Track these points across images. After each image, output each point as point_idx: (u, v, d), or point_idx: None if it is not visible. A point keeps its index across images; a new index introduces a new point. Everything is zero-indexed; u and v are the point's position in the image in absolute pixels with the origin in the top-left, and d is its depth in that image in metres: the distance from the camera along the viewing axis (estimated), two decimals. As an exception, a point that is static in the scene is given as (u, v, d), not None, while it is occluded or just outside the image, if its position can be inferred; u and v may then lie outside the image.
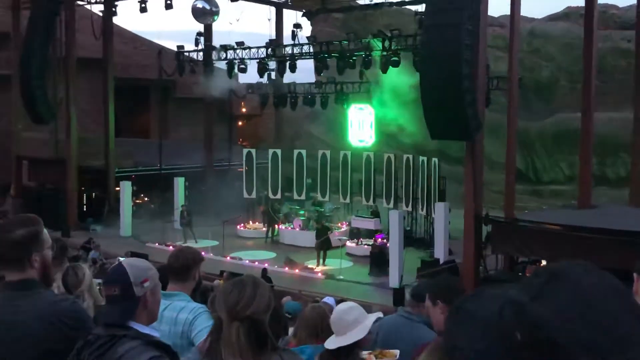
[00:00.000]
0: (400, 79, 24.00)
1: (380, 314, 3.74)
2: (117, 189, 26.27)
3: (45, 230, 2.72)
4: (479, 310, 0.98)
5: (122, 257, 18.56)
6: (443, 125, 15.97)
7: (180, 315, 3.42)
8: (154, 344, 2.39)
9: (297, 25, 26.25)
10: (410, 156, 23.51)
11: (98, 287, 4.35)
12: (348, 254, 21.51)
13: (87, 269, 4.54)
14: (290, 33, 26.12)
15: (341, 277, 19.02)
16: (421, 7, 20.00)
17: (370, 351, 3.49)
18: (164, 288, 3.12)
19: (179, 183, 26.12)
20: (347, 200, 25.14)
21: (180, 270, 3.52)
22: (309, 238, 21.75)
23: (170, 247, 21.58)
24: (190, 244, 21.94)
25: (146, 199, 28.91)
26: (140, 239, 24.18)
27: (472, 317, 0.99)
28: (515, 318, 0.95)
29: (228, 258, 21.06)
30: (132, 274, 2.47)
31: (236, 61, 25.31)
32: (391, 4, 26.12)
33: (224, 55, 25.96)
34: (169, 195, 27.01)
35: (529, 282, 0.99)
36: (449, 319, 1.02)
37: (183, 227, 23.55)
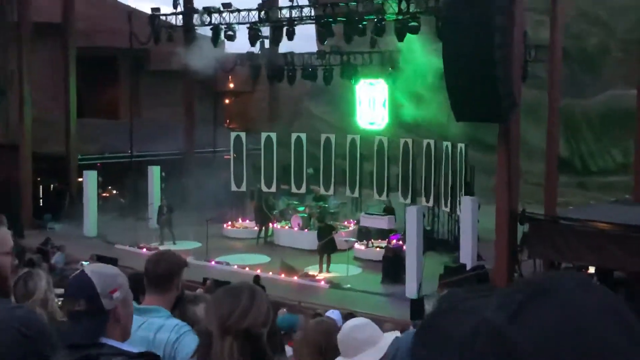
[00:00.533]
0: (419, 48, 23.92)
1: (398, 333, 3.73)
2: (80, 179, 26.31)
3: (6, 231, 2.70)
4: (453, 329, 0.94)
5: (85, 262, 18.69)
6: (471, 104, 15.95)
7: (159, 335, 3.31)
8: (143, 356, 2.38)
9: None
10: (432, 141, 23.51)
11: (58, 301, 4.31)
12: (356, 259, 21.57)
13: (42, 277, 4.44)
14: (287, -7, 26.08)
15: (348, 285, 19.07)
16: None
17: None
18: (136, 301, 3.08)
19: (154, 173, 26.17)
20: (356, 194, 25.17)
21: (161, 279, 3.46)
22: (309, 239, 21.80)
23: (144, 250, 21.64)
24: (168, 246, 22.01)
25: (115, 191, 28.95)
26: (107, 239, 24.27)
27: (445, 337, 0.94)
28: (489, 344, 0.90)
29: (213, 263, 21.13)
30: (99, 283, 2.45)
31: (222, 27, 25.27)
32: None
33: (208, 19, 25.91)
34: (141, 188, 27.02)
35: (508, 295, 0.94)
36: (417, 337, 0.98)
37: (161, 225, 23.60)
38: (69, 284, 2.54)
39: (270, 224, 24.38)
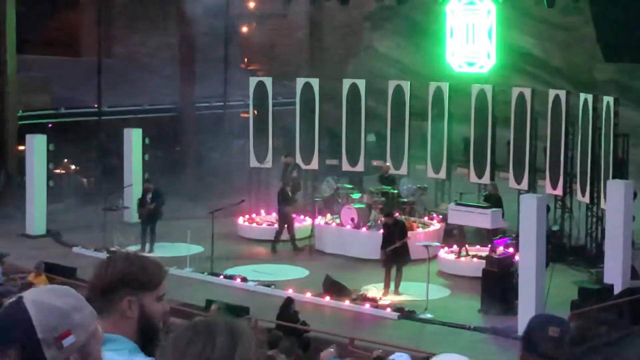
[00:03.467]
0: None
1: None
2: (21, 147, 26.62)
3: None
4: None
5: (31, 271, 18.93)
6: (628, 36, 15.74)
7: None
8: None
9: None
10: (562, 93, 23.30)
11: None
12: (441, 274, 21.59)
13: None
14: None
15: (428, 315, 19.09)
16: None
17: None
18: None
19: (133, 138, 26.38)
20: (442, 175, 25.15)
21: (93, 293, 3.44)
22: (370, 242, 21.79)
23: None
24: (167, 248, 22.24)
25: (73, 167, 29.24)
26: (61, 240, 24.55)
27: None
28: None
29: (221, 277, 21.28)
30: (42, 322, 2.44)
31: None
32: None
33: None
34: (114, 161, 27.23)
35: None
36: None
37: (143, 219, 23.83)
38: None
39: (305, 217, 24.45)
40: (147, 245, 23.36)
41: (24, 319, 2.44)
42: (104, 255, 22.22)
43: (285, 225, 23.83)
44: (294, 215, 24.18)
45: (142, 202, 23.92)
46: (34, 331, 2.43)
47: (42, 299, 2.50)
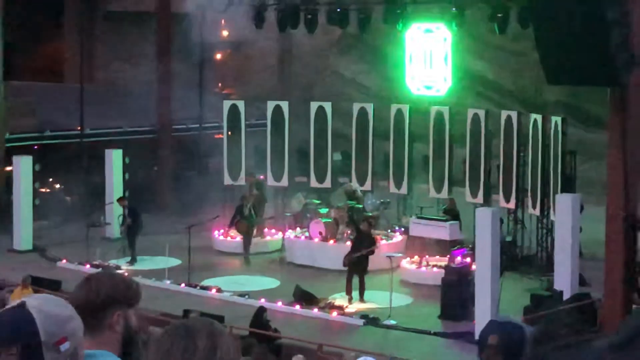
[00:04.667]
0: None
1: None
2: (8, 168, 26.48)
3: None
4: None
5: (18, 284, 18.80)
6: (570, 61, 15.85)
7: None
8: None
9: None
10: (514, 114, 23.43)
11: None
12: (404, 283, 21.59)
13: None
14: None
15: (391, 321, 19.10)
16: None
17: None
18: None
19: (114, 159, 26.31)
20: (404, 191, 25.17)
21: (84, 311, 3.43)
22: (337, 254, 21.81)
23: (100, 270, 21.75)
24: (127, 265, 22.20)
25: (58, 186, 29.09)
26: (47, 254, 24.43)
27: None
28: None
29: (198, 288, 21.23)
30: (44, 327, 2.48)
31: (212, -51, 25.29)
32: None
33: (191, -62, 25.94)
34: (96, 180, 27.10)
35: (624, 324, 1.17)
36: None
37: (126, 235, 23.83)
38: (1, 321, 2.55)
39: (270, 231, 24.48)
40: (131, 258, 23.35)
41: (28, 323, 2.49)
42: (87, 268, 22.18)
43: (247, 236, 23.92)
44: (255, 230, 24.24)
45: (123, 218, 23.95)
46: (38, 334, 2.47)
47: (43, 306, 2.54)
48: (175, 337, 2.35)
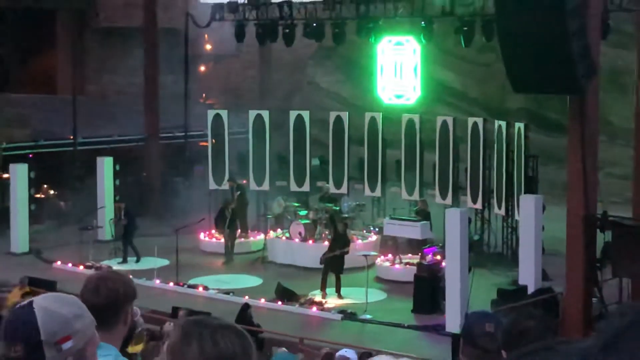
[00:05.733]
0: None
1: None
2: (5, 175, 26.38)
3: None
4: None
5: (16, 285, 18.73)
6: (533, 70, 15.94)
7: None
8: None
9: None
10: (480, 120, 23.54)
11: None
12: (379, 279, 21.64)
13: None
14: None
15: (367, 316, 19.15)
16: None
17: None
18: None
19: (105, 166, 26.25)
20: (377, 193, 25.23)
21: (103, 311, 3.48)
22: (316, 253, 21.84)
23: (94, 271, 21.68)
24: (118, 266, 22.16)
25: (52, 192, 28.98)
26: (42, 256, 24.34)
27: None
28: None
29: (185, 287, 21.22)
30: (46, 326, 2.45)
31: (195, -32, 25.30)
32: None
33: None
34: (88, 186, 27.02)
35: (605, 324, 1.11)
36: None
37: (120, 237, 23.82)
38: (9, 320, 2.53)
39: (259, 233, 24.45)
40: (134, 257, 23.42)
41: (31, 321, 2.46)
42: (81, 269, 22.12)
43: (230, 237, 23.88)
44: (238, 232, 24.21)
45: (117, 220, 23.92)
46: (39, 333, 2.45)
47: (49, 305, 2.51)
48: (186, 333, 2.33)
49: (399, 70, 25.50)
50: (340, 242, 20.70)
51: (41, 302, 2.53)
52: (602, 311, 17.17)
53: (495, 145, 22.90)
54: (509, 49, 16.15)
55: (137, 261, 23.36)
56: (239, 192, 24.80)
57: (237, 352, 2.30)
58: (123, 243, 23.73)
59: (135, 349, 10.64)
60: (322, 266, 20.69)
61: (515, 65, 16.19)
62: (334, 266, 20.42)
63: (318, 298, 20.17)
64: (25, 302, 2.57)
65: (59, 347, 2.45)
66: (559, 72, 15.86)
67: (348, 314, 19.24)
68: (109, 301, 3.52)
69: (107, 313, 3.49)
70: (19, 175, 25.15)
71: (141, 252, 23.53)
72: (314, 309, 19.60)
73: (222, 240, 24.20)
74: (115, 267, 22.25)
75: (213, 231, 25.15)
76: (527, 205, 19.66)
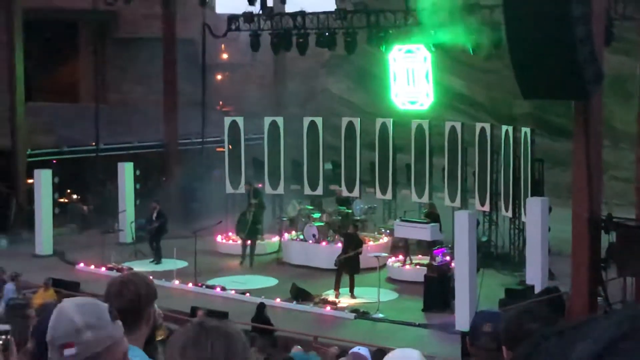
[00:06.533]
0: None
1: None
2: (30, 181, 26.42)
3: None
4: None
5: (40, 286, 18.75)
6: (540, 76, 15.87)
7: None
8: None
9: None
10: (487, 125, 23.47)
11: (1, 340, 4.24)
12: (390, 280, 21.59)
13: None
14: None
15: (379, 315, 19.08)
16: None
17: None
18: None
19: (126, 171, 26.28)
20: (388, 196, 25.16)
21: (127, 312, 3.44)
22: (329, 255, 21.79)
23: (115, 272, 21.71)
24: (137, 266, 22.09)
25: (75, 196, 29.04)
26: (66, 258, 24.35)
27: None
28: None
29: (203, 287, 21.18)
30: (54, 328, 2.43)
31: (212, -20, 25.33)
32: None
33: (193, -30, 25.97)
34: (110, 190, 27.06)
35: (600, 329, 1.07)
36: None
37: (150, 238, 23.78)
38: (44, 316, 2.60)
39: (274, 237, 24.41)
40: (158, 258, 23.45)
41: (44, 322, 2.49)
42: (103, 271, 22.14)
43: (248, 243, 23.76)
44: (259, 236, 24.11)
45: (150, 221, 23.91)
46: (45, 333, 2.45)
47: (67, 309, 2.49)
48: (198, 332, 2.32)
49: (411, 77, 25.41)
50: (353, 244, 20.65)
51: (65, 304, 2.52)
52: (606, 309, 17.09)
53: (502, 149, 22.84)
54: (518, 56, 16.07)
55: (157, 263, 23.35)
56: (255, 197, 24.75)
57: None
58: (149, 243, 23.66)
59: (159, 334, 10.67)
60: (335, 267, 20.66)
61: (524, 72, 16.12)
62: (348, 267, 20.37)
63: (331, 298, 20.13)
64: (56, 301, 2.57)
65: (61, 352, 2.43)
66: (566, 79, 15.79)
67: (361, 313, 19.20)
68: (132, 303, 3.50)
69: (130, 315, 3.46)
70: (43, 180, 25.20)
71: (161, 253, 23.55)
72: (328, 308, 19.56)
73: (239, 242, 24.06)
74: (146, 269, 22.16)
75: (230, 233, 25.13)
76: (534, 208, 19.59)
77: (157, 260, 23.46)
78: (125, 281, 3.61)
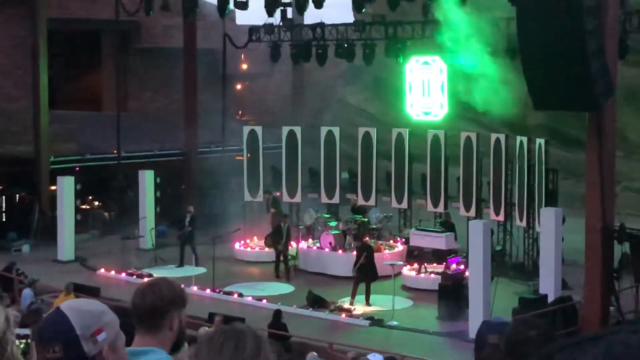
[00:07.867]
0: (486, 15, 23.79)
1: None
2: (53, 187, 26.58)
3: None
4: None
5: (62, 291, 18.83)
6: (553, 88, 15.87)
7: None
8: None
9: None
10: (502, 136, 23.44)
11: (23, 343, 4.24)
12: (405, 288, 21.57)
13: (1, 312, 4.37)
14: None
15: (394, 322, 19.07)
16: None
17: None
18: (128, 343, 3.15)
19: (147, 178, 26.39)
20: (404, 205, 25.16)
21: (149, 315, 3.49)
22: (345, 263, 21.79)
23: (135, 278, 21.82)
24: (157, 272, 22.09)
25: (97, 203, 29.19)
26: (87, 264, 24.47)
27: None
28: None
29: (221, 293, 21.23)
30: (79, 323, 2.49)
31: (232, -8, 25.43)
32: None
33: (214, -18, 26.08)
34: (130, 197, 27.18)
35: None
36: None
37: (183, 242, 23.77)
38: (42, 326, 2.58)
39: (291, 243, 24.44)
40: (193, 260, 23.48)
41: (64, 321, 2.51)
42: (123, 276, 22.20)
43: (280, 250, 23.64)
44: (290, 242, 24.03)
45: (181, 225, 23.95)
46: (74, 329, 2.50)
47: (75, 306, 2.58)
48: (226, 336, 2.38)
49: (426, 88, 25.45)
50: (361, 251, 20.61)
51: (67, 305, 2.60)
52: (619, 319, 17.04)
53: (517, 160, 22.81)
54: (531, 68, 16.10)
55: (179, 266, 23.40)
56: (273, 205, 24.77)
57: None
58: (181, 247, 23.66)
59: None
60: (352, 275, 20.66)
61: (537, 84, 16.14)
62: (364, 276, 20.33)
63: (347, 305, 20.12)
64: (52, 309, 2.65)
65: (95, 338, 2.51)
66: (578, 91, 15.81)
67: (375, 320, 19.20)
68: (153, 306, 3.55)
69: (151, 317, 3.53)
70: (65, 187, 25.33)
71: (176, 260, 23.62)
72: (343, 315, 19.56)
73: (272, 252, 23.71)
74: (166, 275, 22.17)
75: (248, 240, 25.19)
76: (548, 218, 19.57)
77: (196, 262, 23.39)
78: (151, 285, 3.69)
